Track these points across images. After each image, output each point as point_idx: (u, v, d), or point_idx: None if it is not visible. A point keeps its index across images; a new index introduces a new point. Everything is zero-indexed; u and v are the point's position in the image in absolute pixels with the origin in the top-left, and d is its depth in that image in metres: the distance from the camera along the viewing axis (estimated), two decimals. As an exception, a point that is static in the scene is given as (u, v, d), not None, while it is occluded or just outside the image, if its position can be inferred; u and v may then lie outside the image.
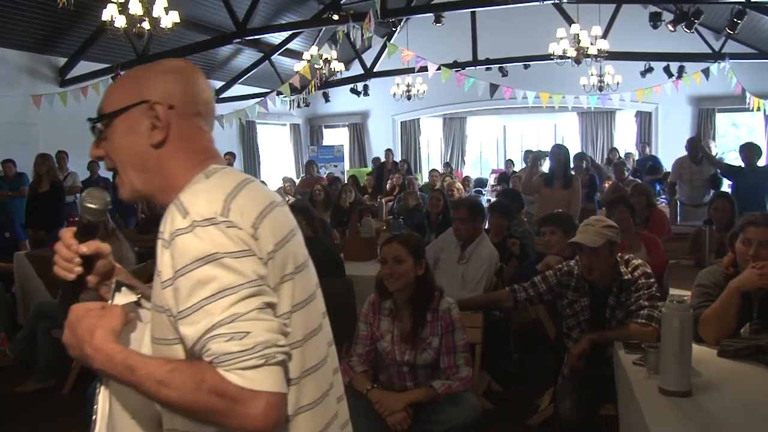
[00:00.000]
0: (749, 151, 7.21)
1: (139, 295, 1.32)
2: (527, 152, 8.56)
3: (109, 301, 1.27)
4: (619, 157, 11.35)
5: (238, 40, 10.34)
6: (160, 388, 1.04)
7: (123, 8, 6.37)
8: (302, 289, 1.20)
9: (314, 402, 1.20)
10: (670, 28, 9.06)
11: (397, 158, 15.11)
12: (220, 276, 1.03)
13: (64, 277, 1.32)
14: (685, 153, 7.70)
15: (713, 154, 9.60)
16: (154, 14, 6.44)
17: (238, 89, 13.86)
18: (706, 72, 10.69)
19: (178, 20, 6.71)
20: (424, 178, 13.70)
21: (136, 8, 6.30)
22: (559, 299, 3.26)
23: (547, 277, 3.27)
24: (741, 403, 2.06)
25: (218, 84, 13.83)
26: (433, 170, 12.82)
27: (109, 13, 6.43)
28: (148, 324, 1.24)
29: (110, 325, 1.14)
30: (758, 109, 11.42)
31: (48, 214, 7.35)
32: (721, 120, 14.33)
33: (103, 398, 1.32)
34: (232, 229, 1.07)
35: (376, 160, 13.80)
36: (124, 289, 1.31)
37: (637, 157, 12.18)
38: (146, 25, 6.48)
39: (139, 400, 1.20)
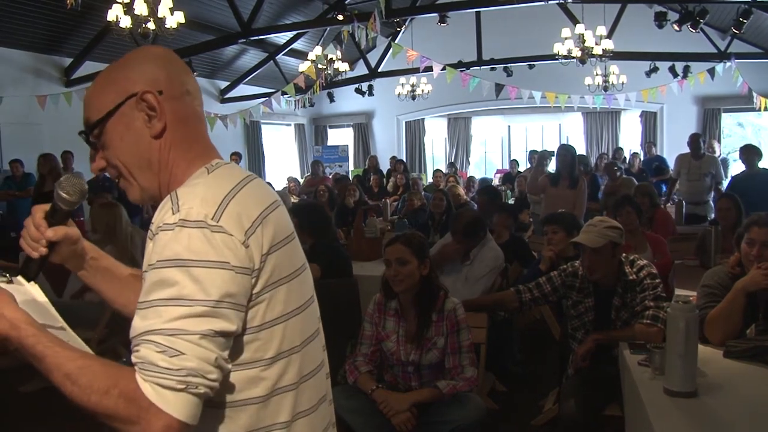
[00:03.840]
0: (749, 153, 7.14)
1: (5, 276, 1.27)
2: (532, 152, 8.54)
3: None
4: (613, 158, 11.30)
5: (242, 40, 10.34)
6: (65, 381, 1.01)
7: (128, 8, 6.38)
8: (299, 293, 1.19)
9: (312, 408, 1.20)
10: (676, 27, 9.03)
11: (402, 158, 15.14)
12: (182, 283, 1.00)
13: (28, 254, 1.32)
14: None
15: (717, 154, 9.60)
16: (159, 14, 6.44)
17: (242, 89, 13.89)
18: (711, 72, 10.65)
19: (183, 20, 6.71)
20: (429, 178, 13.69)
21: (141, 8, 6.31)
22: (563, 300, 3.25)
23: (552, 278, 3.27)
24: (747, 404, 2.06)
25: (223, 84, 13.88)
26: (437, 170, 12.81)
27: (115, 13, 6.44)
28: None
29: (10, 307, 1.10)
30: (765, 109, 11.36)
31: None
32: (727, 120, 14.28)
33: None
34: (219, 234, 1.03)
35: (372, 158, 13.81)
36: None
37: (642, 158, 12.14)
38: (151, 25, 6.48)
39: None
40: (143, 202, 1.29)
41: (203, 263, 1.01)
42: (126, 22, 6.42)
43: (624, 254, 3.12)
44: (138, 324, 1.01)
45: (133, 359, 1.00)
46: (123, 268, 1.43)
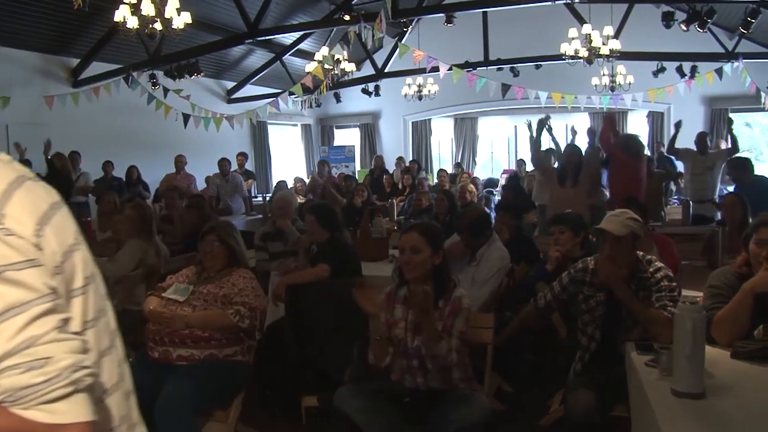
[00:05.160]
0: (739, 170, 6.74)
1: None
2: (529, 122, 8.20)
3: None
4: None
5: (249, 40, 10.37)
6: None
7: (135, 9, 6.39)
8: (94, 304, 1.05)
9: (109, 430, 1.07)
10: (683, 27, 9.01)
11: (408, 158, 15.15)
12: (3, 293, 0.85)
13: None
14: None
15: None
16: (167, 15, 6.45)
17: (249, 89, 13.93)
18: (719, 72, 10.62)
19: (190, 21, 6.72)
20: (435, 178, 13.70)
21: (148, 9, 6.32)
22: (574, 297, 3.24)
23: (561, 278, 3.28)
24: (755, 406, 2.05)
25: (230, 84, 13.91)
26: (441, 170, 12.82)
27: (122, 14, 6.45)
28: None
29: None
30: (773, 109, 11.34)
31: None
32: (735, 120, 14.17)
33: None
34: (11, 237, 0.89)
35: (378, 158, 13.82)
36: None
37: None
38: (158, 25, 6.49)
39: None
40: None
41: (12, 266, 0.87)
42: (133, 22, 6.43)
43: (641, 253, 3.10)
44: None
45: None
46: None
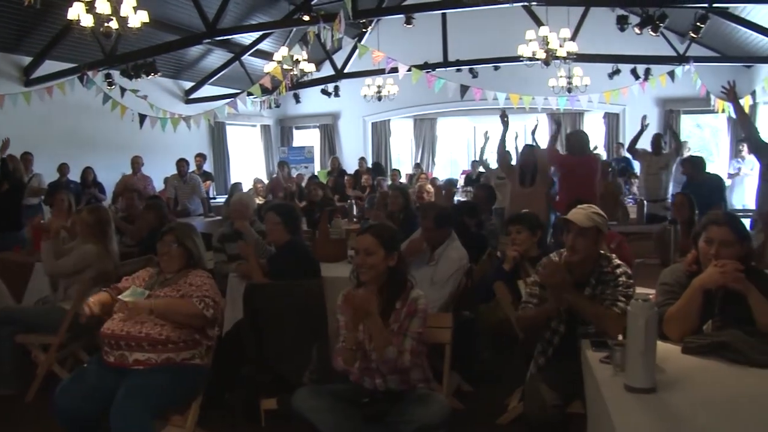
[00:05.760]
0: (693, 167, 7.40)
1: None
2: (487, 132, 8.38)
3: None
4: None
5: (207, 40, 10.26)
6: None
7: (90, 7, 6.26)
8: None
9: None
10: (637, 31, 9.20)
11: (368, 158, 15.20)
12: None
13: None
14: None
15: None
16: (122, 13, 6.33)
17: (207, 90, 13.79)
18: (671, 74, 10.88)
19: (146, 20, 6.62)
20: (389, 178, 13.75)
21: (103, 7, 6.19)
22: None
23: (533, 281, 3.25)
24: (705, 398, 2.10)
25: (188, 84, 13.75)
26: (395, 170, 12.89)
27: (76, 11, 6.31)
28: None
29: None
30: (722, 111, 11.64)
31: (6, 216, 7.18)
32: (686, 121, 14.60)
33: None
34: None
35: (334, 159, 13.82)
36: None
37: (605, 158, 12.31)
38: (114, 24, 6.37)
39: None
40: None
41: None
42: (88, 20, 6.30)
43: (602, 251, 3.14)
44: None
45: None
46: None
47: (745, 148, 10.65)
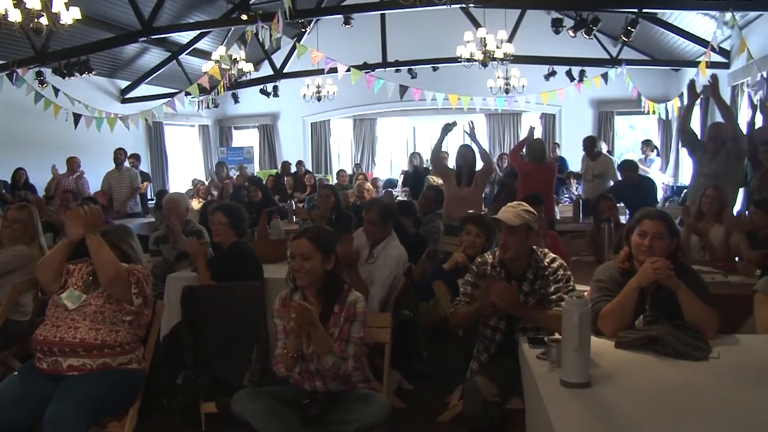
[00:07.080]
0: (627, 169, 7.97)
1: None
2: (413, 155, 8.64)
3: None
4: None
5: (143, 38, 10.02)
6: None
7: (18, 2, 6.01)
8: None
9: None
10: (571, 33, 9.42)
11: (308, 159, 15.15)
12: None
13: None
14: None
15: (605, 151, 10.20)
16: (54, 9, 6.10)
17: (144, 89, 13.49)
18: (605, 76, 11.17)
19: (79, 16, 6.40)
20: (335, 179, 13.72)
21: (33, 2, 5.95)
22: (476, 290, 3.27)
23: (467, 279, 3.30)
24: (637, 391, 2.16)
25: (123, 84, 13.42)
26: (341, 171, 12.88)
27: (3, 5, 6.05)
28: None
29: None
30: (653, 112, 12.06)
31: None
32: (620, 122, 15.09)
33: None
34: None
35: (285, 164, 13.72)
36: None
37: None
38: (45, 20, 6.14)
39: None
40: None
41: None
42: (16, 16, 6.05)
43: (534, 246, 3.21)
44: None
45: None
46: None
47: (653, 152, 11.41)
